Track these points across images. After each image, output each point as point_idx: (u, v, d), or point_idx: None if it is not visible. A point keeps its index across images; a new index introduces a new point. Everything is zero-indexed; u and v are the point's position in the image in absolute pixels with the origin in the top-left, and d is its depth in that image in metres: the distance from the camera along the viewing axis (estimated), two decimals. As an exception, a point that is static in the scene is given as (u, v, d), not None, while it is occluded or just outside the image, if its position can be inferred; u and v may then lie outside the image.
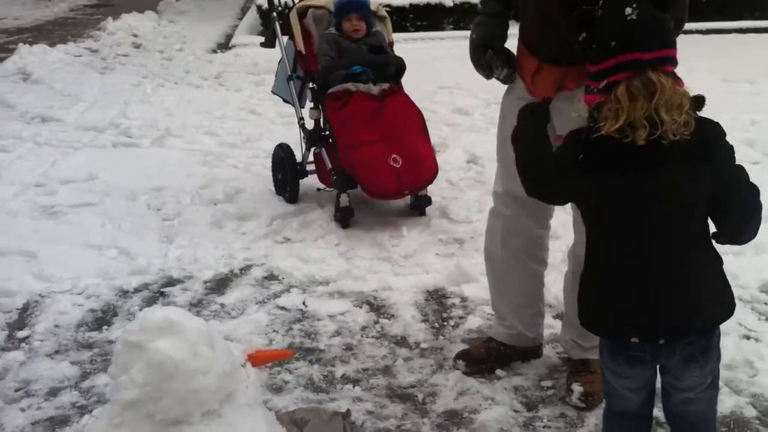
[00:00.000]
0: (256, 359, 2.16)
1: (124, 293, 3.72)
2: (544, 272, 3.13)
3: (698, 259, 2.08)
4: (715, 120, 2.11)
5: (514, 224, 2.99)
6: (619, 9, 2.08)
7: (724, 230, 2.11)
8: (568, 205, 2.92)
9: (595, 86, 2.09)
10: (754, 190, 2.09)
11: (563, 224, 3.49)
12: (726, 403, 2.80)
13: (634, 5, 2.05)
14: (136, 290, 3.75)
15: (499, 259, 3.07)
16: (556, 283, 3.37)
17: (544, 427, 2.78)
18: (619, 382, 2.17)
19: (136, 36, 10.34)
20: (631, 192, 2.05)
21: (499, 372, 3.07)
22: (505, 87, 2.93)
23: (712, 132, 2.09)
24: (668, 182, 2.03)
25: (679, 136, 1.99)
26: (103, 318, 3.52)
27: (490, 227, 3.10)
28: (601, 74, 2.06)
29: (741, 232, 2.11)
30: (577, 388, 2.87)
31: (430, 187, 4.49)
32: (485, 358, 3.10)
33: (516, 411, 2.85)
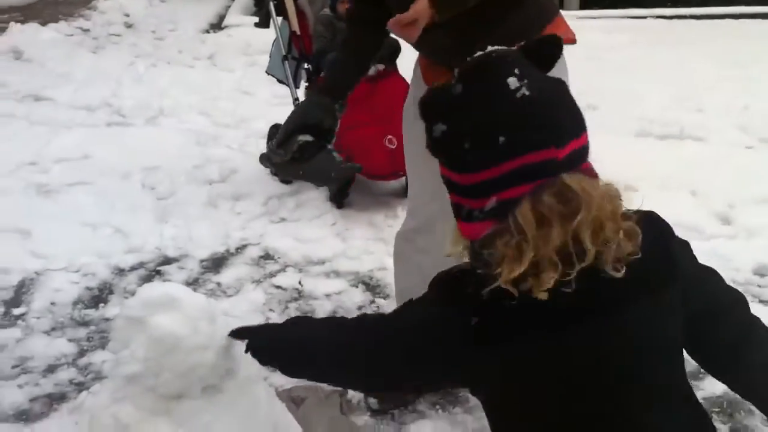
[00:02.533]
0: (256, 335, 2.16)
1: (120, 271, 3.73)
2: None
3: (684, 421, 1.43)
4: (652, 211, 1.47)
5: (430, 244, 2.56)
6: (496, 80, 1.30)
7: (717, 350, 1.50)
8: None
9: (473, 207, 1.32)
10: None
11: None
12: (719, 384, 2.82)
13: (517, 71, 1.30)
14: (132, 268, 3.75)
15: (413, 286, 2.41)
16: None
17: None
18: None
19: (127, 16, 10.24)
20: (560, 359, 1.35)
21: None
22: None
23: (663, 236, 1.44)
24: (618, 330, 1.36)
25: (622, 264, 1.32)
26: (99, 296, 3.53)
27: (400, 252, 2.73)
28: (484, 188, 1.29)
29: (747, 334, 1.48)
30: None
31: (424, 169, 4.49)
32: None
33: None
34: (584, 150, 1.33)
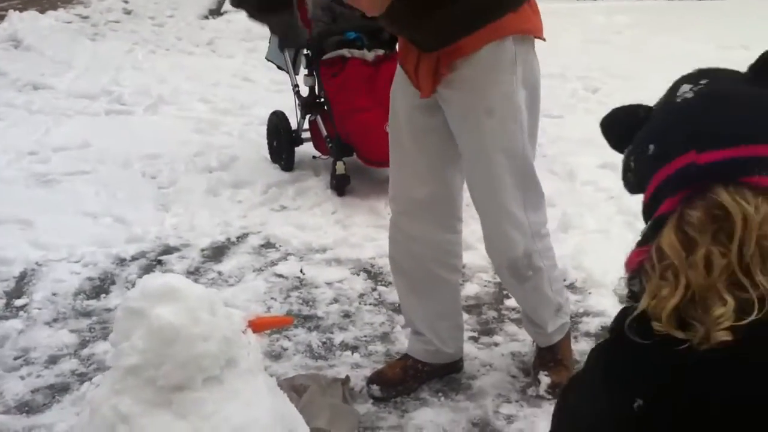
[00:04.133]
0: (257, 326, 2.15)
1: (121, 261, 3.72)
2: (459, 281, 2.90)
3: None
4: None
5: (417, 230, 2.65)
6: (672, 89, 1.21)
7: None
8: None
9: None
10: None
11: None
12: None
13: (703, 81, 1.19)
14: (133, 258, 3.74)
15: (407, 270, 2.75)
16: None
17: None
18: None
19: (126, 2, 10.20)
20: None
21: (496, 338, 3.08)
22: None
23: None
24: None
25: None
26: (100, 286, 3.52)
27: (393, 236, 2.74)
28: (649, 209, 1.16)
29: None
30: (545, 379, 2.74)
31: (426, 155, 4.47)
32: (402, 378, 2.80)
33: (513, 376, 2.88)
34: (752, 162, 1.07)
